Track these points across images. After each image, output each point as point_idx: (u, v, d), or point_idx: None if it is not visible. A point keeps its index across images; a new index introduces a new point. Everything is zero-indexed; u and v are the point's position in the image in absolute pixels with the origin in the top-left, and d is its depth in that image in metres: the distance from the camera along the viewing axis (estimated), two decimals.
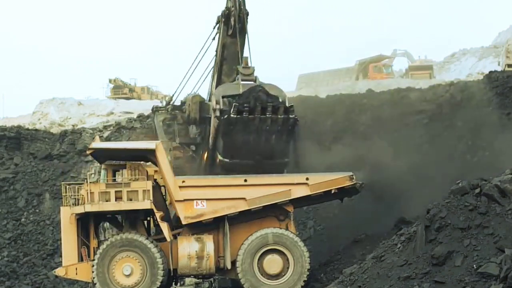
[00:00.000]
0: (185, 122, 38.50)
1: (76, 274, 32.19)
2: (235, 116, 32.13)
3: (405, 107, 43.34)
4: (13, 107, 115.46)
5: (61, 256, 34.18)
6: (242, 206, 32.04)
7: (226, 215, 32.14)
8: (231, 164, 33.40)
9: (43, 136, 50.61)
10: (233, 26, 34.85)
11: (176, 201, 32.11)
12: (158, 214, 31.92)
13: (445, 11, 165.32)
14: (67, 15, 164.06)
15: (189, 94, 38.01)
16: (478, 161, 36.98)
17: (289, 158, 33.87)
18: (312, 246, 35.80)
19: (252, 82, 33.65)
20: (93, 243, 32.43)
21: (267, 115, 32.33)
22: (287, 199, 32.28)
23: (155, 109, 40.65)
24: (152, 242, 31.76)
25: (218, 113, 32.83)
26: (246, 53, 35.03)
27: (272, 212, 32.59)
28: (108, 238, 32.97)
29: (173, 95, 40.26)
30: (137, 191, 31.79)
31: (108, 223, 36.15)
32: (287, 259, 32.10)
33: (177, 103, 39.56)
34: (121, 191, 31.77)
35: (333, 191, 33.01)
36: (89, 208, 31.58)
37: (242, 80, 33.73)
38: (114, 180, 32.47)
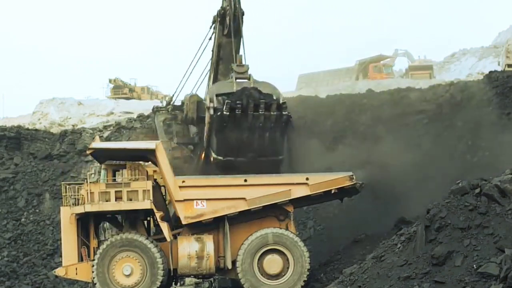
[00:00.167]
0: (183, 122, 38.51)
1: (76, 274, 32.19)
2: (228, 113, 32.11)
3: (405, 107, 43.34)
4: (13, 107, 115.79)
5: (61, 256, 34.19)
6: (242, 206, 32.03)
7: (226, 215, 32.14)
8: (225, 162, 33.39)
9: (43, 136, 50.62)
10: (228, 25, 34.85)
11: (176, 201, 32.11)
12: (158, 214, 31.92)
13: (445, 11, 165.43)
14: (67, 15, 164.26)
15: (187, 94, 38.04)
16: (478, 161, 36.98)
17: (283, 156, 33.85)
18: (312, 246, 35.79)
19: (246, 80, 33.59)
20: (93, 243, 32.43)
21: (260, 112, 32.29)
22: (287, 199, 32.27)
23: (156, 109, 40.69)
24: (152, 242, 31.76)
25: (212, 111, 32.81)
26: (241, 53, 35.05)
27: (272, 212, 32.59)
28: (108, 238, 32.97)
29: (173, 95, 40.32)
30: (137, 191, 31.79)
31: (108, 223, 36.14)
32: (287, 259, 32.10)
33: (177, 103, 39.57)
34: (121, 191, 31.77)
35: (333, 191, 33.00)
36: (89, 208, 31.59)
37: (236, 78, 33.66)
38: (114, 180, 32.46)
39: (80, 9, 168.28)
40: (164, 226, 31.87)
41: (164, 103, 41.73)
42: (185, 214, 31.98)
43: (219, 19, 35.71)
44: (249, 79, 33.66)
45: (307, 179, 32.36)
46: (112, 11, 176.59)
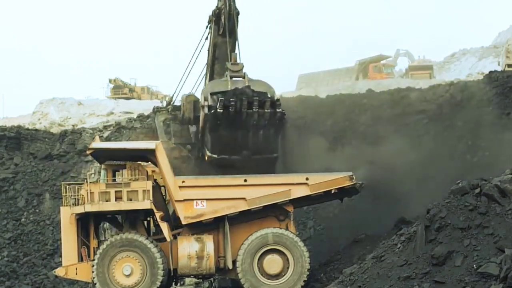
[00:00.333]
0: (180, 122, 38.50)
1: (76, 274, 32.18)
2: (222, 111, 32.10)
3: (405, 107, 43.33)
4: (13, 107, 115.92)
5: (61, 256, 34.16)
6: (242, 206, 32.02)
7: (226, 215, 32.14)
8: (219, 159, 33.38)
9: (43, 136, 50.60)
10: (224, 25, 34.84)
11: (176, 201, 32.11)
12: (158, 214, 31.92)
13: (445, 11, 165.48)
14: (67, 15, 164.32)
15: (184, 94, 38.05)
16: (478, 161, 36.98)
17: (278, 154, 33.84)
18: (312, 246, 35.80)
19: (241, 79, 33.57)
20: (93, 243, 32.42)
21: (254, 110, 32.27)
22: (287, 199, 32.26)
23: (156, 110, 40.67)
24: (152, 242, 31.76)
25: (206, 110, 32.81)
26: (236, 52, 35.04)
27: (272, 212, 32.58)
28: (108, 238, 32.97)
29: (173, 95, 40.31)
30: (137, 191, 31.79)
31: (108, 223, 36.14)
32: (287, 259, 32.09)
33: (177, 103, 39.55)
34: (121, 191, 31.76)
35: (333, 191, 32.98)
36: (89, 208, 31.59)
37: (231, 77, 33.63)
38: (114, 180, 32.46)
39: (80, 9, 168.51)
40: (164, 226, 31.87)
41: (164, 103, 41.71)
42: (185, 214, 31.98)
43: (214, 18, 35.72)
44: (243, 77, 33.63)
45: (307, 179, 32.34)
46: (112, 11, 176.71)
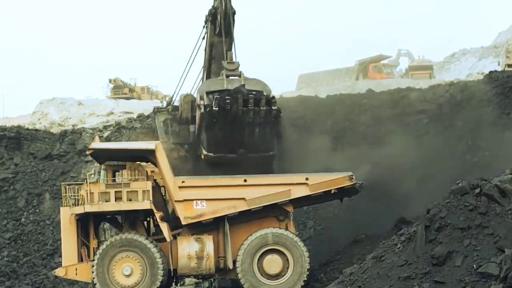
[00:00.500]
0: (179, 122, 38.49)
1: (76, 274, 32.18)
2: (217, 109, 32.09)
3: (405, 107, 43.33)
4: (13, 107, 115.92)
5: (61, 256, 34.15)
6: (242, 206, 32.02)
7: (226, 215, 32.13)
8: (216, 158, 33.37)
9: (43, 136, 50.60)
10: (220, 24, 34.83)
11: (175, 201, 32.10)
12: (157, 214, 31.92)
13: (445, 11, 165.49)
14: (67, 15, 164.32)
15: (182, 94, 38.04)
16: (478, 161, 36.98)
17: (274, 152, 33.82)
18: (312, 246, 35.80)
19: (237, 77, 33.55)
20: (93, 243, 32.42)
21: (249, 107, 32.26)
22: (287, 199, 32.25)
23: (156, 110, 40.67)
24: (152, 242, 31.75)
25: (202, 109, 32.81)
26: (232, 51, 35.00)
27: (272, 212, 32.57)
28: (108, 238, 32.96)
29: (173, 95, 40.30)
30: (136, 191, 31.79)
31: (108, 224, 36.13)
32: (287, 259, 32.08)
33: (177, 103, 39.54)
34: (121, 191, 31.77)
35: (333, 191, 32.98)
36: (89, 208, 31.58)
37: (227, 76, 33.55)
38: (114, 180, 32.46)
39: (80, 9, 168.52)
40: (164, 227, 31.87)
41: (164, 104, 41.71)
42: (185, 214, 31.97)
43: (210, 18, 35.72)
44: (239, 76, 33.61)
45: (306, 179, 32.34)
46: (112, 11, 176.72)
